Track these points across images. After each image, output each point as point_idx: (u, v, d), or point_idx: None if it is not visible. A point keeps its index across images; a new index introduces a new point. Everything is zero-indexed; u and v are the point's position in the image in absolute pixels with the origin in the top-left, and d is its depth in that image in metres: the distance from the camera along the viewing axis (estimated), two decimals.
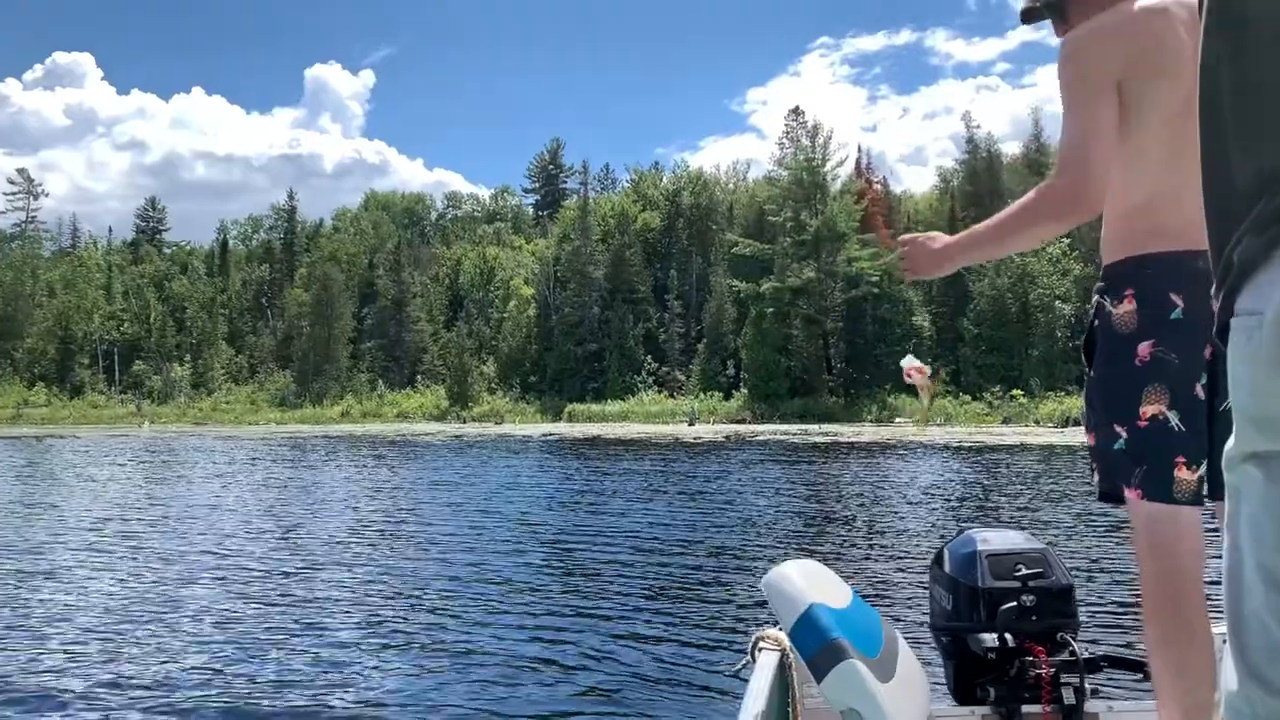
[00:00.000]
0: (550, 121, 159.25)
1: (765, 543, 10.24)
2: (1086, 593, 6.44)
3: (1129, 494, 1.92)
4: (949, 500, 14.22)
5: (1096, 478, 2.01)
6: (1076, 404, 42.47)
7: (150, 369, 69.01)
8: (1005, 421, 42.89)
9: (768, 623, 2.27)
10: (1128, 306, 1.92)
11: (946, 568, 2.44)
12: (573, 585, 7.96)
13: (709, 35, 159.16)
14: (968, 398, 47.99)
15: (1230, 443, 1.00)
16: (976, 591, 2.31)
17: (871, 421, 46.56)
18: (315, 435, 42.33)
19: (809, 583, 2.11)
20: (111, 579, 8.45)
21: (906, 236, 2.13)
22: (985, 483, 16.83)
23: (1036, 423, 41.82)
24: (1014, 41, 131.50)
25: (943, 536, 10.32)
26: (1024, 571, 2.30)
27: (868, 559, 9.02)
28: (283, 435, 42.84)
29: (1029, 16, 2.21)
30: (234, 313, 78.75)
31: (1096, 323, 2.02)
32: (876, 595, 7.02)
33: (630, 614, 6.81)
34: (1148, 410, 1.89)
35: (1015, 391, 45.79)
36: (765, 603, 2.17)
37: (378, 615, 6.90)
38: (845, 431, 39.16)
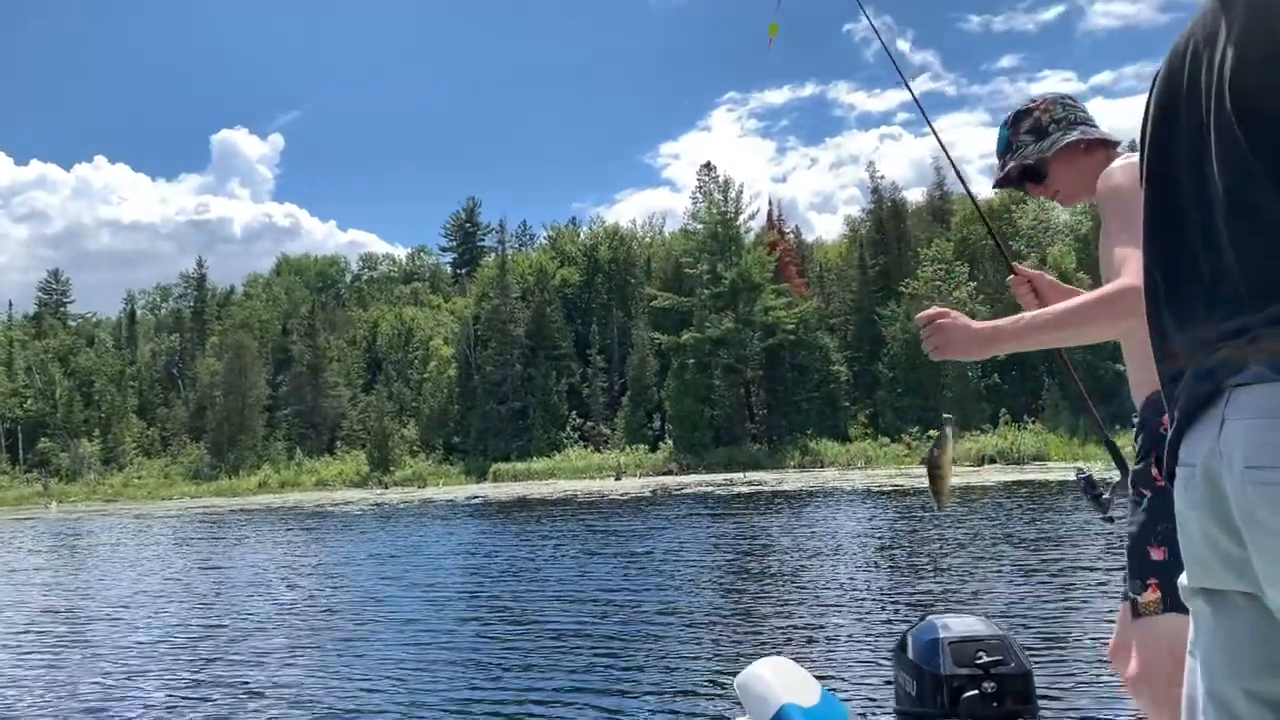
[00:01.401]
0: (465, 179, 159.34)
1: (708, 604, 10.31)
2: (1040, 672, 6.61)
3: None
4: (883, 550, 14.48)
5: (1157, 594, 2.04)
6: (991, 442, 43.59)
7: (57, 446, 66.45)
8: (923, 462, 43.67)
9: (727, 689, 2.37)
10: None
11: (910, 654, 2.57)
12: (520, 663, 7.93)
13: (619, 92, 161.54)
14: (886, 440, 49.05)
15: (1183, 578, 1.17)
16: (940, 679, 2.44)
17: (794, 467, 47.15)
18: (232, 508, 41.20)
19: (780, 682, 2.22)
20: (22, 677, 8.16)
21: (933, 312, 2.10)
22: (911, 531, 17.17)
23: (954, 462, 42.73)
24: (914, 91, 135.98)
25: (884, 591, 10.54)
26: (985, 659, 2.44)
27: (807, 619, 9.15)
28: (198, 510, 41.61)
29: (1004, 183, 2.44)
30: (144, 385, 76.50)
31: None
32: (818, 660, 7.14)
33: (583, 691, 6.82)
34: None
35: (931, 432, 46.77)
36: (723, 672, 2.27)
37: (320, 701, 6.79)
38: (769, 479, 39.52)
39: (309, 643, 9.28)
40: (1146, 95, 1.23)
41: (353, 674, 7.77)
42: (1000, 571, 11.25)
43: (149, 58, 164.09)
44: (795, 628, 8.90)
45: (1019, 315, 2.01)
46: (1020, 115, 2.46)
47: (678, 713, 6.18)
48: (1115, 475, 2.64)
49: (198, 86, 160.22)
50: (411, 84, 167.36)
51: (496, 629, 9.59)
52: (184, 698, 7.27)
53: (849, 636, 8.29)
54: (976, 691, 2.43)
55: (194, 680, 7.84)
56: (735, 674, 2.79)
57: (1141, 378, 2.14)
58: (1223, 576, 1.04)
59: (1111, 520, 2.58)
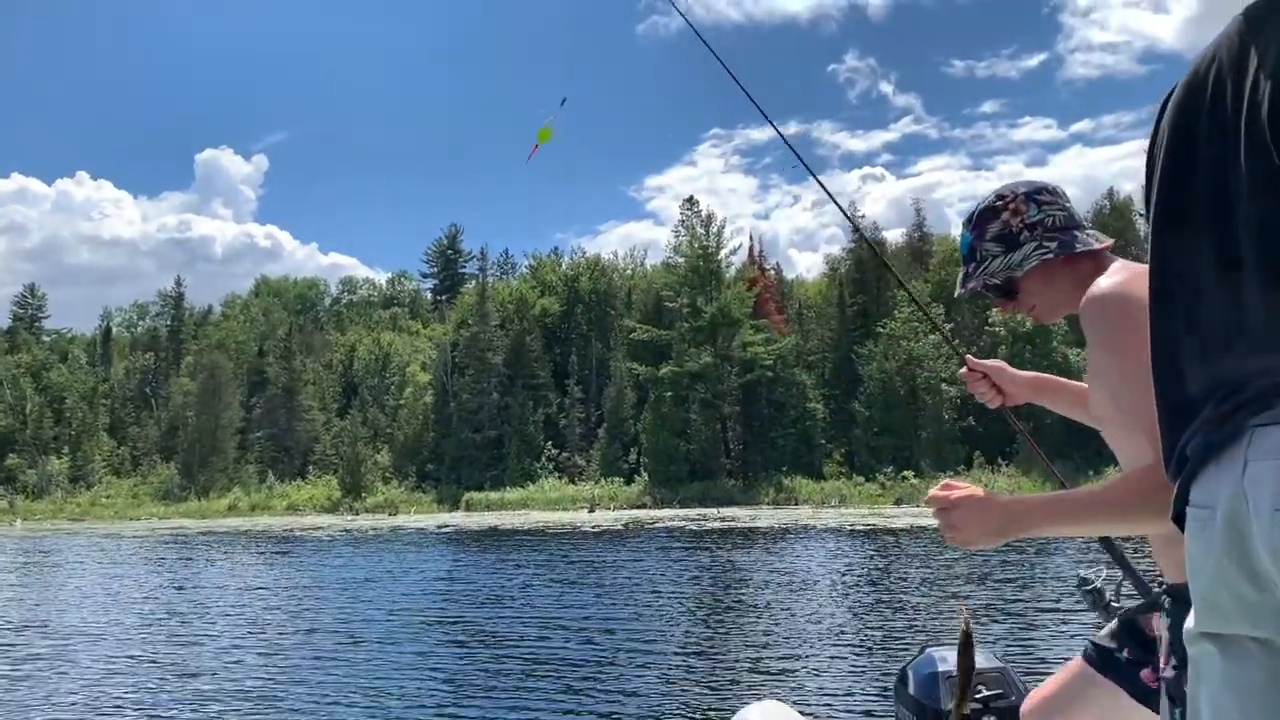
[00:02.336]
0: (448, 207, 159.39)
1: (689, 642, 10.25)
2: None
3: None
4: (860, 589, 14.46)
5: None
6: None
7: (25, 462, 65.41)
8: (898, 502, 43.88)
9: None
10: None
11: (910, 689, 2.57)
12: (495, 699, 7.83)
13: (605, 124, 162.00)
14: (861, 479, 49.11)
15: (1190, 620, 1.10)
16: (941, 714, 2.45)
17: (768, 504, 47.10)
18: (201, 530, 40.67)
19: None
20: None
21: (952, 496, 1.79)
22: (886, 570, 17.18)
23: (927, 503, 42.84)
24: (896, 133, 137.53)
25: (865, 630, 10.52)
26: (985, 692, 2.44)
27: (792, 657, 9.10)
28: (166, 531, 41.05)
29: (973, 292, 2.14)
30: (116, 403, 75.56)
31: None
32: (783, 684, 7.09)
33: None
34: None
35: (906, 472, 46.93)
36: (711, 713, 2.27)
37: None
38: (743, 515, 39.46)
39: (275, 669, 9.15)
40: (1155, 119, 1.21)
41: (320, 701, 7.67)
42: (970, 608, 11.27)
43: (136, 74, 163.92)
44: (780, 665, 8.86)
45: (1041, 500, 1.74)
46: (985, 215, 2.02)
47: None
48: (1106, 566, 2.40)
49: (183, 105, 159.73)
50: (397, 110, 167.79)
51: (466, 660, 9.48)
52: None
53: (836, 675, 8.27)
54: None
55: (156, 703, 7.71)
56: (725, 717, 2.77)
57: (1164, 551, 1.77)
58: (1236, 622, 1.03)
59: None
